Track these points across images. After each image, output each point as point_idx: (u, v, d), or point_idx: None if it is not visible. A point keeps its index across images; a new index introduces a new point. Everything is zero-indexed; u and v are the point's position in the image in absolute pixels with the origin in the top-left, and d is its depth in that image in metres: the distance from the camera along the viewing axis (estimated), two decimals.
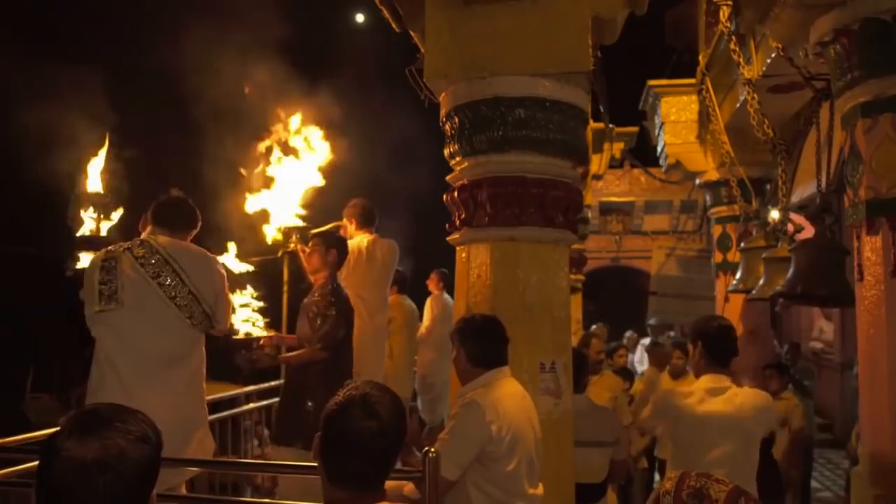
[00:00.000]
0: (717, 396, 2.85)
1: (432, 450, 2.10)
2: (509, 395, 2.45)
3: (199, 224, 3.08)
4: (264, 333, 3.83)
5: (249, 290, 3.97)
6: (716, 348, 2.92)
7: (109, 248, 2.84)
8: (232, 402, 4.74)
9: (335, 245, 3.95)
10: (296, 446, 3.61)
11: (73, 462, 1.14)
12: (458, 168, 2.92)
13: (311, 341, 3.73)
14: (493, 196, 2.74)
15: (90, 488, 1.14)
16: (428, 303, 6.74)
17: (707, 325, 3.02)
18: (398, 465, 2.06)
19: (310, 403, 3.63)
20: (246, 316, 3.84)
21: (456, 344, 2.55)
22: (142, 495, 1.22)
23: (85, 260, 3.27)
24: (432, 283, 6.74)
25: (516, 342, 2.63)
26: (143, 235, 2.92)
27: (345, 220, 4.69)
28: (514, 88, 2.75)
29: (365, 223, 4.63)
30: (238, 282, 3.87)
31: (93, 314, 2.75)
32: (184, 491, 2.93)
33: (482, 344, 2.50)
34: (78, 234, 3.49)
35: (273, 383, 5.14)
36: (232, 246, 4.08)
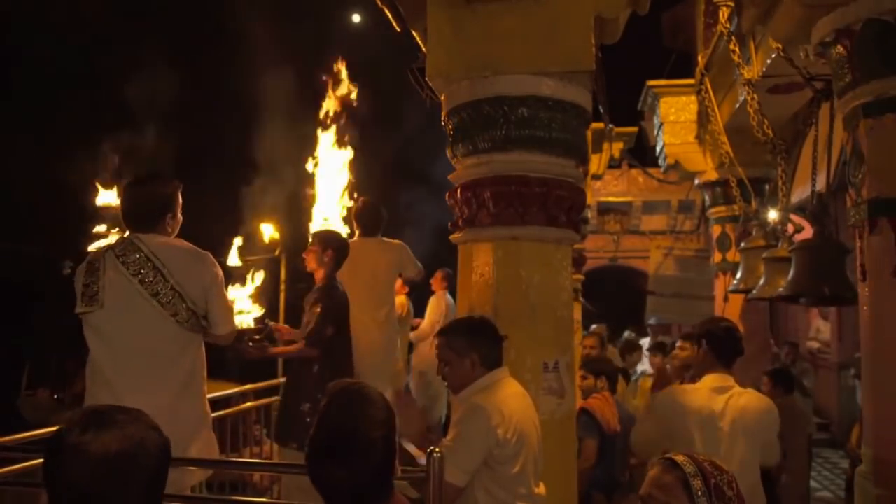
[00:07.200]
0: (720, 396, 2.86)
1: (437, 449, 2.08)
2: (512, 395, 2.42)
3: (178, 202, 2.84)
4: (252, 326, 3.69)
5: (238, 285, 3.84)
6: (721, 347, 2.94)
7: (100, 248, 2.77)
8: (229, 401, 4.72)
9: (332, 245, 3.93)
10: (290, 447, 3.61)
11: (94, 456, 1.13)
12: (461, 167, 2.91)
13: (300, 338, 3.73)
14: (496, 195, 2.73)
15: (117, 481, 1.13)
16: (431, 301, 6.74)
17: (713, 326, 3.06)
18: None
19: (306, 405, 3.62)
20: (237, 309, 3.71)
21: (452, 348, 2.45)
22: (161, 483, 1.22)
23: None
24: (436, 282, 6.74)
25: (519, 342, 2.62)
26: (126, 233, 2.82)
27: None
28: (516, 87, 2.75)
29: (368, 228, 4.56)
30: (235, 277, 3.75)
31: (79, 316, 2.67)
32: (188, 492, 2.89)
33: (481, 345, 2.44)
34: (89, 249, 3.32)
35: (272, 382, 5.14)
36: (236, 242, 3.98)
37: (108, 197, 3.44)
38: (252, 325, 3.67)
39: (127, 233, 2.80)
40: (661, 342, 7.29)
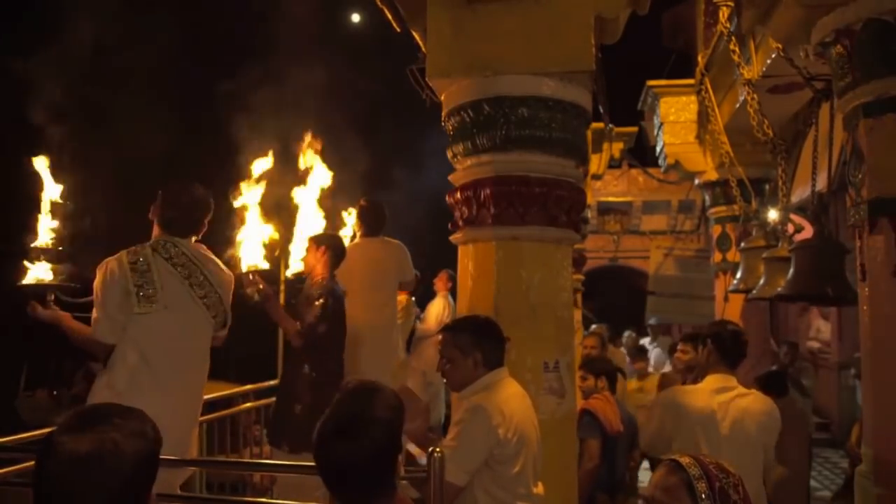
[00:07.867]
0: (721, 396, 2.86)
1: (437, 449, 2.08)
2: (512, 395, 2.41)
3: (210, 212, 2.92)
4: (267, 266, 3.57)
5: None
6: (726, 349, 2.94)
7: (132, 249, 2.78)
8: (229, 401, 4.72)
9: (326, 243, 3.92)
10: (282, 449, 3.60)
11: (66, 456, 1.14)
12: (461, 167, 2.91)
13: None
14: (497, 195, 2.73)
15: (84, 482, 1.14)
16: (435, 302, 6.74)
17: (721, 328, 3.08)
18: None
19: (297, 406, 3.61)
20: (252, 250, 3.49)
21: (457, 346, 2.43)
22: (138, 491, 1.21)
23: (36, 272, 3.00)
24: (440, 283, 6.73)
25: (520, 342, 2.62)
26: (156, 236, 2.85)
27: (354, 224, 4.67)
28: (517, 87, 2.75)
29: (372, 227, 4.57)
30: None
31: (128, 316, 2.68)
32: (178, 490, 2.93)
33: (486, 345, 2.42)
34: (33, 245, 3.08)
35: (271, 383, 5.13)
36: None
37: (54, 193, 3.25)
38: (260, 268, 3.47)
39: (157, 235, 2.87)
40: (641, 346, 7.28)
